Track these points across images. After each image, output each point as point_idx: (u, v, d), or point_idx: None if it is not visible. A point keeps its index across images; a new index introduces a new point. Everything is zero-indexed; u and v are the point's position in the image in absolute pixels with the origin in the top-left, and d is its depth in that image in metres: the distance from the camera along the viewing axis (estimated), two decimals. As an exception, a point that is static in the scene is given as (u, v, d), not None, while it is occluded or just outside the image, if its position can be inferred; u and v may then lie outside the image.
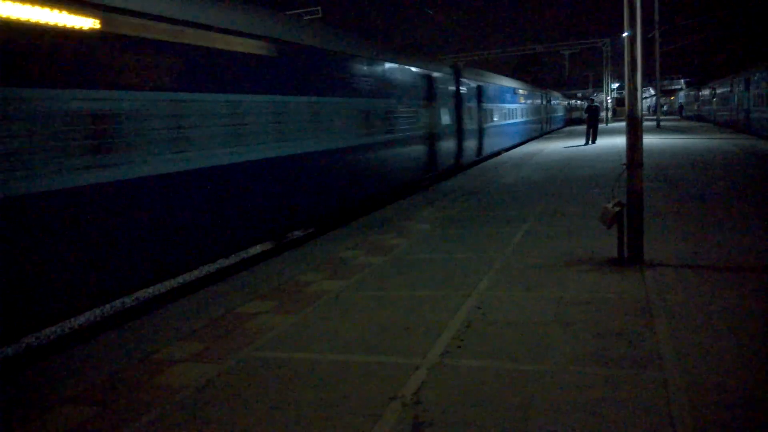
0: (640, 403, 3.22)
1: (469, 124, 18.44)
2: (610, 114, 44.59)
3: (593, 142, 23.67)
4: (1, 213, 4.54)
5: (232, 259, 8.98)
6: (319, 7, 20.51)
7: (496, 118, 22.60)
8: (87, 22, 5.32)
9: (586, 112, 25.51)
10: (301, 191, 8.85)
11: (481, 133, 19.86)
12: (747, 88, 25.67)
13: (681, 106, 58.00)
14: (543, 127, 35.01)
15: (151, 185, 5.94)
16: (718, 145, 19.87)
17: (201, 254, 6.86)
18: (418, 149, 13.94)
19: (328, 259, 7.15)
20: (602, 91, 47.10)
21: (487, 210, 9.95)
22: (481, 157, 20.02)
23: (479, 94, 19.71)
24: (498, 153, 22.52)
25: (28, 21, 4.81)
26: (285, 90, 8.38)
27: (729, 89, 30.68)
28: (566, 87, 63.73)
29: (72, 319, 6.78)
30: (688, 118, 49.42)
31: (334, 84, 9.83)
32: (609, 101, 46.17)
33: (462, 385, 3.58)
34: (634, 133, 5.94)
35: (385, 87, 11.97)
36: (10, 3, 4.67)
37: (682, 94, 61.87)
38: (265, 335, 4.68)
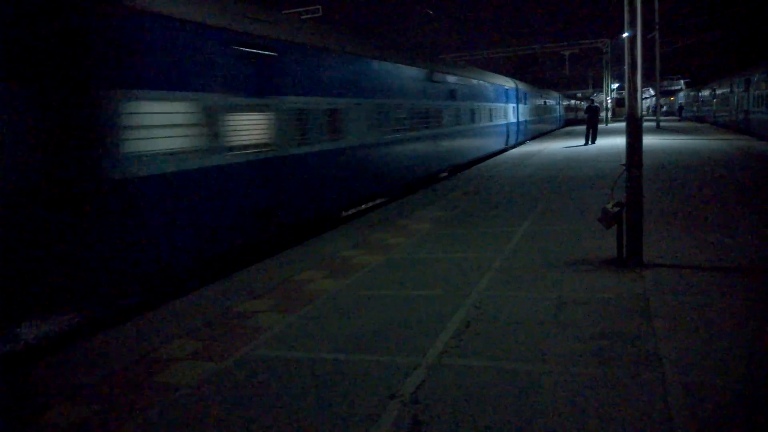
0: (638, 403, 3.22)
1: (524, 117, 29.19)
2: (609, 114, 44.61)
3: (593, 142, 23.67)
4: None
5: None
6: (318, 6, 20.50)
7: (530, 114, 31.32)
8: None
9: (585, 113, 25.51)
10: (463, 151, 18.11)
11: (526, 124, 29.83)
12: (747, 89, 25.68)
13: (681, 107, 57.98)
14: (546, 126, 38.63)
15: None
16: (717, 146, 19.88)
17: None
18: (508, 129, 25.33)
19: (328, 258, 7.15)
20: (602, 91, 47.12)
21: (486, 209, 9.95)
22: (524, 140, 28.96)
23: (523, 96, 29.01)
24: (536, 136, 30.89)
25: None
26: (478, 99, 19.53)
27: (729, 90, 30.69)
28: (566, 87, 63.75)
29: (71, 317, 6.77)
30: (688, 119, 49.44)
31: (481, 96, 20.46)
32: (609, 101, 46.20)
33: (461, 385, 3.59)
34: (634, 134, 5.94)
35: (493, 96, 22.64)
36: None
37: (681, 94, 61.86)
38: (264, 334, 4.68)
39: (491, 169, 16.66)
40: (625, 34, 5.99)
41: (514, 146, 25.70)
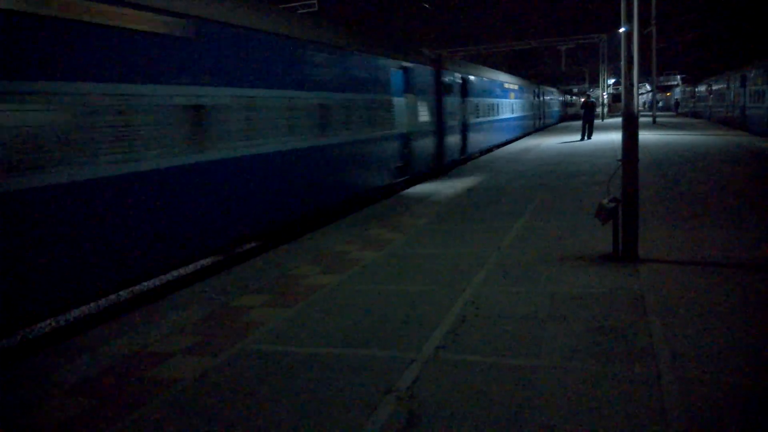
0: (633, 397, 3.24)
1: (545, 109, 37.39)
2: (605, 110, 44.63)
3: (589, 137, 23.68)
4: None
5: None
6: (314, 1, 20.42)
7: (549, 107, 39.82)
8: None
9: (582, 108, 25.51)
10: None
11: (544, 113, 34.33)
12: (743, 85, 25.72)
13: (677, 102, 58.04)
14: (539, 122, 38.18)
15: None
16: (713, 142, 19.92)
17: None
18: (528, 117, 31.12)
19: (323, 253, 7.15)
20: (598, 86, 47.16)
21: (481, 205, 9.96)
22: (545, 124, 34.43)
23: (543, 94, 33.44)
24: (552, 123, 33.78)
25: None
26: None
27: (725, 86, 30.74)
28: (562, 82, 63.75)
29: (68, 313, 6.77)
30: (684, 115, 49.49)
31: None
32: (605, 97, 46.20)
33: (456, 379, 3.60)
34: (630, 129, 5.95)
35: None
36: None
37: (678, 90, 61.90)
38: (260, 329, 4.68)
39: (486, 165, 16.66)
40: (622, 30, 5.99)
41: (507, 143, 25.00)
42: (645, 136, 20.80)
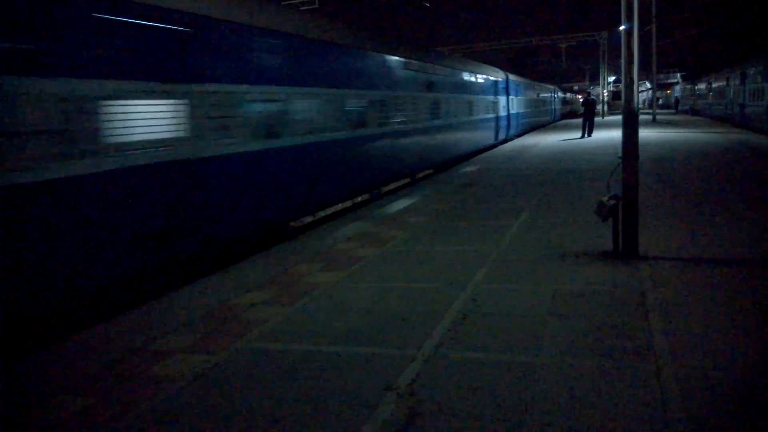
0: (633, 394, 3.24)
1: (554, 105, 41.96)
2: (606, 107, 44.62)
3: (589, 135, 23.67)
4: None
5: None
6: (315, -1, 20.39)
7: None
8: None
9: (582, 105, 25.49)
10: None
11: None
12: (743, 83, 25.70)
13: (677, 100, 57.99)
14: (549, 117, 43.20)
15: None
16: (713, 139, 19.91)
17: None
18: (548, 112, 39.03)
19: (323, 250, 7.15)
20: (599, 84, 47.17)
21: (482, 202, 9.96)
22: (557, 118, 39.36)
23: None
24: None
25: None
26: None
27: (725, 83, 30.71)
28: (563, 80, 63.74)
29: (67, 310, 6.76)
30: (684, 112, 49.46)
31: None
32: (605, 94, 46.19)
33: (457, 377, 3.60)
34: (631, 127, 5.94)
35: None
36: None
37: (678, 87, 61.83)
38: (261, 326, 4.68)
39: (487, 162, 16.65)
40: (622, 27, 5.98)
41: (503, 142, 24.96)
42: (645, 133, 20.78)
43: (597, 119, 28.47)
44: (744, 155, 14.77)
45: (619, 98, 6.48)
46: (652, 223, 7.24)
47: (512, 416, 3.11)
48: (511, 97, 26.03)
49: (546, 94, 40.07)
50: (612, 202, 5.94)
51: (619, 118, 7.42)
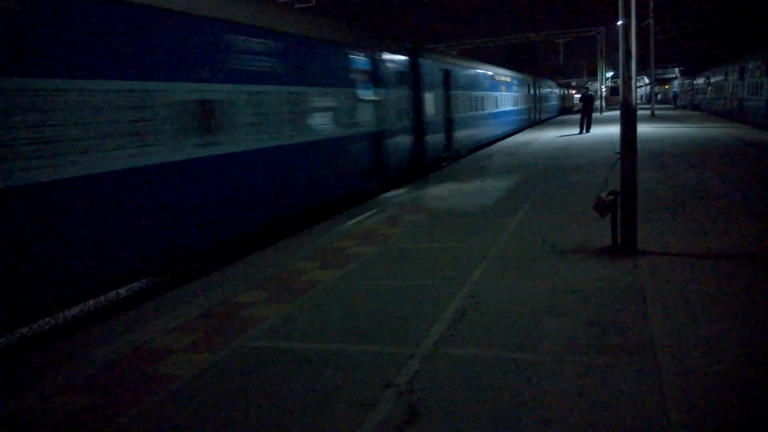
0: (633, 390, 3.24)
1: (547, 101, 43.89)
2: (604, 103, 44.60)
3: (587, 131, 23.67)
4: None
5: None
6: (312, -4, 20.31)
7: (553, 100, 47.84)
8: None
9: (580, 101, 25.48)
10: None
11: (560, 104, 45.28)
12: (741, 77, 25.69)
13: (675, 95, 57.94)
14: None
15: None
16: (712, 134, 19.91)
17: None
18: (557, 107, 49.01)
19: (322, 248, 7.15)
20: (597, 80, 47.18)
21: (480, 198, 9.95)
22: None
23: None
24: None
25: None
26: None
27: (723, 78, 30.70)
28: (561, 76, 63.69)
29: (66, 310, 6.76)
30: (682, 107, 49.43)
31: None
32: (603, 90, 46.16)
33: (456, 374, 3.60)
34: (629, 122, 5.93)
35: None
36: None
37: (676, 82, 61.78)
38: (259, 325, 4.68)
39: (485, 159, 16.65)
40: (620, 22, 5.97)
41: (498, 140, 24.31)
42: (643, 128, 20.79)
43: (595, 115, 28.47)
44: (742, 150, 14.77)
45: (618, 94, 6.45)
46: (650, 218, 7.24)
47: (511, 413, 3.11)
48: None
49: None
50: (610, 197, 5.93)
51: (617, 113, 7.41)
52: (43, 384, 3.85)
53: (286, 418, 3.24)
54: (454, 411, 3.18)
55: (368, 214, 9.24)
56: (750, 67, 24.06)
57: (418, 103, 14.13)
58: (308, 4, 19.66)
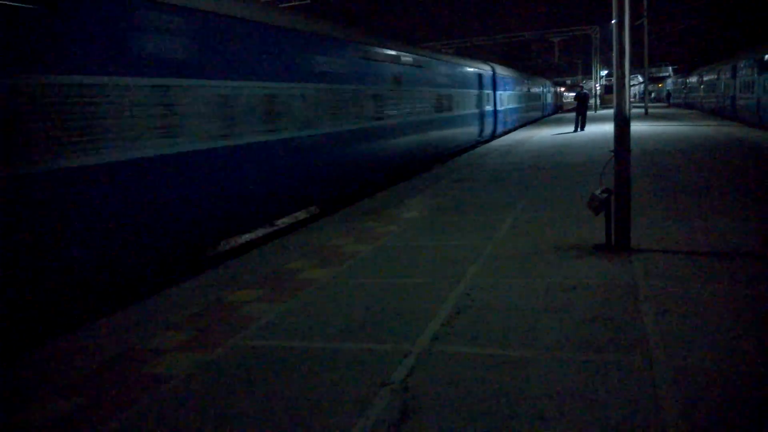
0: (626, 388, 3.26)
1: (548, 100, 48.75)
2: (598, 101, 44.74)
3: (582, 129, 23.73)
4: None
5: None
6: (308, -5, 20.30)
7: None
8: None
9: (575, 99, 25.55)
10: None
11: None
12: (734, 76, 25.81)
13: (669, 94, 58.17)
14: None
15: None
16: (705, 132, 20.00)
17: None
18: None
19: (318, 247, 7.15)
20: (591, 78, 47.41)
21: (476, 197, 9.97)
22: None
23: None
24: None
25: None
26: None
27: (716, 76, 30.84)
28: (556, 74, 63.85)
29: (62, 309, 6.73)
30: (676, 105, 49.63)
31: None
32: (598, 88, 46.31)
33: (451, 372, 3.61)
34: (622, 120, 5.96)
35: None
36: None
37: (669, 81, 62.02)
38: (255, 324, 4.68)
39: (480, 157, 16.67)
40: (614, 21, 5.99)
41: (491, 139, 23.93)
42: (637, 127, 20.84)
43: (589, 113, 28.54)
44: (735, 148, 14.84)
45: (611, 92, 6.46)
46: (644, 216, 7.27)
47: (506, 411, 3.12)
48: None
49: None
50: (604, 195, 5.96)
51: (611, 111, 7.43)
52: (33, 385, 3.84)
53: (281, 416, 3.24)
54: (448, 408, 3.19)
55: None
56: (742, 65, 24.17)
57: (494, 98, 24.31)
58: (303, 2, 19.62)
